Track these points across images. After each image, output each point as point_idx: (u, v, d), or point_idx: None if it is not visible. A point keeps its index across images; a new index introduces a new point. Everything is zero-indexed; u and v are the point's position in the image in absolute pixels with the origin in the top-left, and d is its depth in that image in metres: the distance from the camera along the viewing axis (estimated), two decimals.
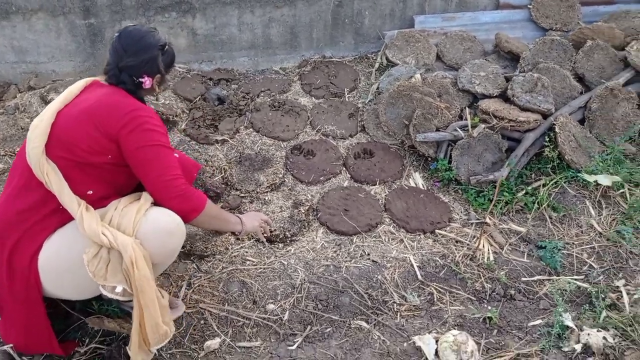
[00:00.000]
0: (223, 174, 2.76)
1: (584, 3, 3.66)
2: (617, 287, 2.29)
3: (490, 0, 3.65)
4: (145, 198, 1.79)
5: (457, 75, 3.15)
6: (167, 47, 1.84)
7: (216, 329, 2.07)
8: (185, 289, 2.20)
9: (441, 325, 2.15)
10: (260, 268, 2.35)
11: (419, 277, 2.34)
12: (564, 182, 2.78)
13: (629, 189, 2.76)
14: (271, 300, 2.22)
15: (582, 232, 2.58)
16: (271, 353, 2.03)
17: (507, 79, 3.09)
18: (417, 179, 2.87)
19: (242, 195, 2.67)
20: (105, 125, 1.70)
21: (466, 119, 2.95)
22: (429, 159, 2.93)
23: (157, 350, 1.82)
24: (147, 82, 1.81)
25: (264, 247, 2.45)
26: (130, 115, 1.71)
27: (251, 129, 3.06)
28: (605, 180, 2.72)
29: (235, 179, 2.73)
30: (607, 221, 2.63)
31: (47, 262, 1.68)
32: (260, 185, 2.70)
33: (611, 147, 2.91)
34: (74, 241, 1.68)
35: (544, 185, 2.78)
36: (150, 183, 1.78)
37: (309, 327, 2.13)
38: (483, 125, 2.84)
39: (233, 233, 2.36)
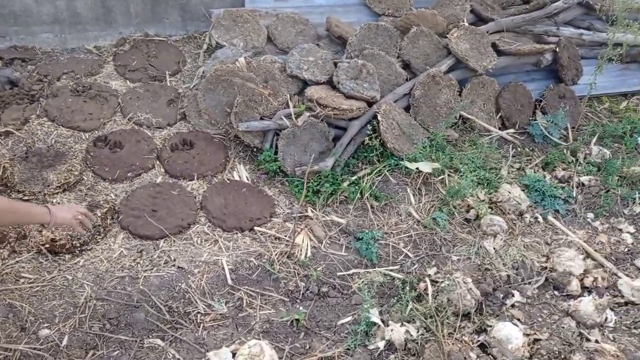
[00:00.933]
0: (2, 174, 2.30)
1: None
2: (429, 275, 2.30)
3: None
4: None
5: (286, 59, 2.97)
6: None
7: None
8: None
9: (246, 334, 1.97)
10: (38, 286, 1.98)
11: (229, 281, 2.14)
12: (387, 171, 2.76)
13: (448, 174, 2.82)
14: (46, 325, 1.87)
15: (401, 221, 2.58)
16: None
17: (336, 65, 2.98)
18: (241, 172, 2.65)
19: (26, 198, 2.25)
20: None
21: (295, 106, 2.80)
22: (255, 149, 2.74)
23: None
24: None
25: (45, 261, 2.07)
26: None
27: (45, 118, 2.60)
28: (425, 167, 2.75)
29: (17, 178, 2.28)
30: (426, 208, 2.66)
31: None
32: (48, 186, 2.29)
33: (434, 133, 2.96)
34: None
35: (368, 175, 2.73)
36: None
37: (91, 352, 1.83)
38: (308, 114, 2.71)
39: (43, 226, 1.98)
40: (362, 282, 2.21)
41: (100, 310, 1.95)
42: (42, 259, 2.07)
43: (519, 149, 3.19)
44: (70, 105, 2.65)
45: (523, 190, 2.81)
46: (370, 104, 2.87)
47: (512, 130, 3.29)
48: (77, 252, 2.12)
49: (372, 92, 2.84)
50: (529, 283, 2.33)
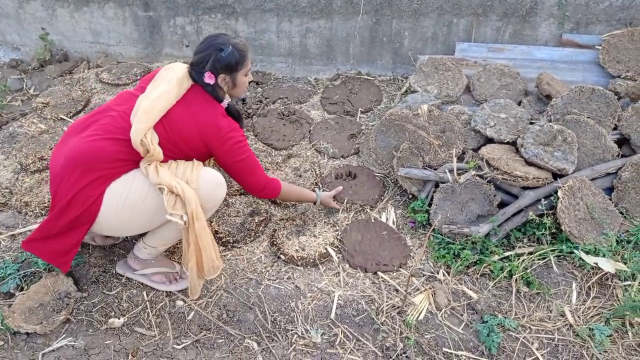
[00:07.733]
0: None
1: None
2: None
3: (552, 35, 3.20)
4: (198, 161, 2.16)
5: (474, 113, 2.85)
6: (225, 49, 2.03)
7: (117, 310, 2.23)
8: None
9: None
10: None
11: (332, 315, 2.21)
12: (554, 256, 2.36)
13: None
14: (182, 297, 2.30)
15: (548, 319, 2.18)
16: (157, 345, 2.13)
17: None
18: (390, 214, 2.68)
19: None
20: (208, 139, 2.11)
21: (466, 162, 2.67)
22: (411, 196, 2.72)
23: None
24: (207, 77, 2.08)
25: None
26: (227, 136, 2.12)
27: (252, 133, 3.15)
28: (607, 265, 2.24)
29: None
30: (588, 314, 2.18)
31: (112, 196, 1.98)
32: (230, 187, 2.78)
33: (635, 228, 2.39)
34: (142, 183, 2.01)
35: (528, 254, 2.39)
36: (243, 185, 2.31)
37: (205, 332, 2.17)
38: (473, 172, 2.54)
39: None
40: None
41: (224, 300, 2.28)
42: None
43: None
44: (272, 126, 3.14)
45: None
46: (558, 176, 2.51)
47: None
48: (230, 246, 2.53)
49: (563, 163, 2.47)
50: None
